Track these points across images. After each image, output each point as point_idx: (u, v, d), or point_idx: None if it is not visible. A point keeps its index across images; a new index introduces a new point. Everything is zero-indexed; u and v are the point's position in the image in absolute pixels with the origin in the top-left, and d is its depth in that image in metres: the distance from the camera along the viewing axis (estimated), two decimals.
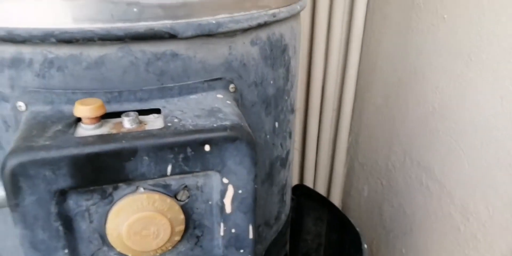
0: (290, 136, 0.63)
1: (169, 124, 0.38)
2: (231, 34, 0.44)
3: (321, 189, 1.33)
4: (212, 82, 0.45)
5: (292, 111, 0.62)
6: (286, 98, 0.57)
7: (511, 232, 0.72)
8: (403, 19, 0.93)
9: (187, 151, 0.36)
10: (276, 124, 0.56)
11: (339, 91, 1.21)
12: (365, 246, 0.70)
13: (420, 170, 0.92)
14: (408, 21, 0.91)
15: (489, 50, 0.72)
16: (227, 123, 0.38)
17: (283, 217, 0.69)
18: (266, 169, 0.57)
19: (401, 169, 1.01)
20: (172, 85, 0.43)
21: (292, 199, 0.80)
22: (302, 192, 0.89)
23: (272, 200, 0.62)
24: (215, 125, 0.38)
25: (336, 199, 1.34)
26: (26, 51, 0.39)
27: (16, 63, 0.39)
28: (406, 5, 0.91)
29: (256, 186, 0.40)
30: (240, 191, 0.40)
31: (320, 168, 1.29)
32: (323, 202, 0.86)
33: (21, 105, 0.41)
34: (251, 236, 0.43)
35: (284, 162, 0.62)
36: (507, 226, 0.73)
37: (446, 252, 0.86)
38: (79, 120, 0.38)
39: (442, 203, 0.86)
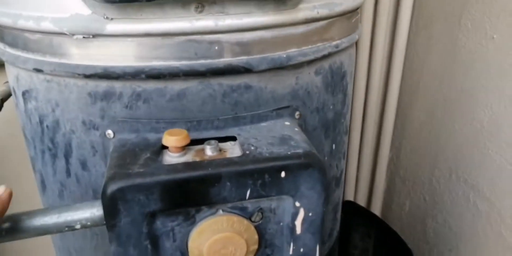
0: (344, 157, 0.65)
1: (247, 152, 0.41)
2: (299, 65, 0.48)
3: (361, 203, 1.34)
4: (280, 110, 0.48)
5: (347, 132, 0.64)
6: (343, 121, 0.60)
7: None
8: (449, 39, 0.94)
9: (265, 177, 0.39)
10: (334, 146, 0.59)
11: (380, 107, 1.22)
12: None
13: (468, 188, 0.92)
14: (454, 41, 0.93)
15: None
16: (300, 151, 0.41)
17: (335, 233, 0.71)
18: None
19: (447, 185, 1.01)
20: (245, 114, 0.46)
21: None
22: (349, 208, 0.90)
23: (327, 218, 0.65)
24: (289, 153, 0.41)
25: (376, 213, 1.35)
26: (117, 85, 0.43)
27: (108, 96, 0.44)
28: (452, 25, 0.92)
29: (324, 209, 0.43)
30: (310, 214, 0.43)
31: (361, 182, 1.31)
32: (371, 217, 0.87)
33: (110, 133, 0.45)
34: (317, 255, 0.45)
35: (338, 181, 0.65)
36: None
37: None
38: (164, 147, 0.42)
39: (492, 222, 0.86)
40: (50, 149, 0.51)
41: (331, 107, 0.55)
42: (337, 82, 0.55)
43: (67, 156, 0.50)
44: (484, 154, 0.87)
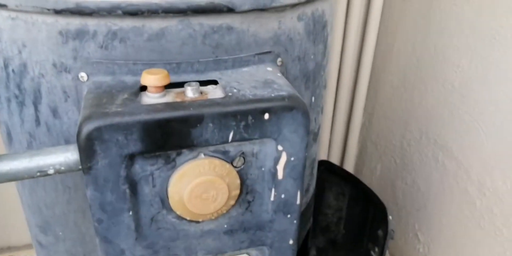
0: (321, 111, 0.65)
1: (230, 94, 0.39)
2: (282, 9, 0.46)
3: None
4: (262, 56, 0.46)
5: (325, 86, 0.64)
6: (322, 73, 0.59)
7: None
8: (424, 0, 0.94)
9: (248, 119, 0.38)
10: (313, 98, 0.58)
11: (355, 71, 1.22)
12: (390, 217, 0.73)
13: (437, 148, 0.95)
14: (429, 2, 0.93)
15: None
16: (284, 93, 0.40)
17: (311, 189, 0.72)
18: None
19: (417, 147, 1.03)
20: (226, 57, 0.44)
21: None
22: (325, 167, 0.91)
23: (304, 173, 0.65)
24: (273, 95, 0.40)
25: None
26: (91, 23, 0.40)
27: (81, 35, 0.41)
28: None
29: (306, 154, 0.43)
30: (292, 158, 0.42)
31: (334, 146, 1.32)
32: (346, 176, 0.89)
33: (83, 75, 0.43)
34: (298, 201, 0.45)
35: (316, 136, 0.65)
36: None
37: (460, 225, 0.90)
38: (142, 89, 0.40)
39: (458, 180, 0.89)
40: (16, 97, 0.48)
41: (312, 56, 0.54)
42: (318, 30, 0.53)
43: (36, 103, 0.47)
44: (454, 115, 0.89)
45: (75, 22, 0.41)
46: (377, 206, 0.78)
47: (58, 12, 0.40)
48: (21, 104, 0.48)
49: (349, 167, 1.33)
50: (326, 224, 0.94)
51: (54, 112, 0.47)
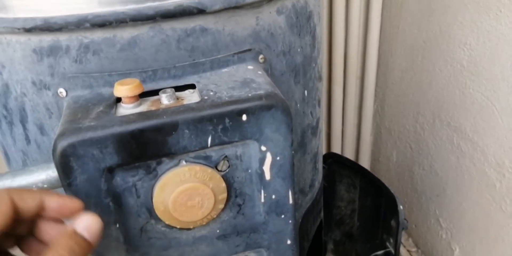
0: (319, 104, 0.63)
1: (205, 97, 0.38)
2: (258, 4, 0.44)
3: (349, 157, 1.34)
4: (241, 54, 0.45)
5: (320, 78, 0.62)
6: (314, 65, 0.57)
7: None
8: None
9: (226, 122, 0.37)
10: (306, 92, 0.57)
11: (362, 58, 1.19)
12: (401, 207, 0.70)
13: (451, 130, 0.91)
14: None
15: None
16: (261, 92, 0.39)
17: (317, 184, 0.70)
18: (298, 138, 0.58)
19: (431, 131, 1.00)
20: (203, 60, 0.43)
21: (324, 168, 0.81)
22: (333, 160, 0.90)
23: (305, 169, 0.64)
24: (250, 95, 0.38)
25: (365, 166, 1.35)
26: (62, 38, 0.40)
27: (54, 51, 0.41)
28: None
29: (293, 152, 0.41)
30: (278, 158, 0.41)
31: (347, 136, 1.30)
32: (355, 168, 0.87)
33: (62, 91, 0.42)
34: (291, 201, 0.44)
35: (314, 130, 0.63)
36: None
37: (482, 210, 0.86)
38: (118, 100, 0.40)
39: (476, 162, 0.86)
40: (5, 117, 0.48)
41: (298, 50, 0.52)
42: (303, 23, 0.52)
43: (23, 121, 0.47)
44: (465, 94, 0.85)
45: (47, 39, 0.41)
46: (387, 196, 0.76)
47: (28, 30, 0.40)
48: (11, 123, 0.48)
49: (365, 156, 1.30)
50: (340, 217, 0.92)
51: (41, 130, 0.47)
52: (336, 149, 1.30)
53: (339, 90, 1.21)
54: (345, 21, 1.11)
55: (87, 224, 0.32)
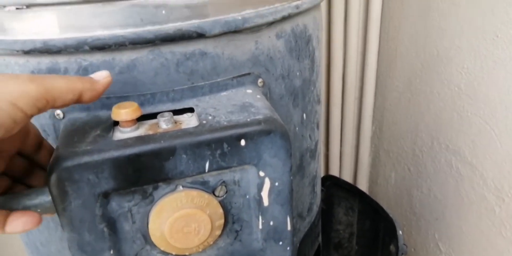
0: (317, 127, 0.63)
1: (204, 122, 0.38)
2: (257, 29, 0.45)
3: (347, 179, 1.33)
4: (240, 78, 0.45)
5: (319, 101, 0.62)
6: (312, 88, 0.57)
7: None
8: (423, 2, 0.91)
9: (224, 147, 0.37)
10: (304, 115, 0.56)
11: (360, 80, 1.20)
12: (400, 232, 0.69)
13: (450, 154, 0.91)
14: (428, 3, 0.90)
15: None
16: (260, 117, 0.38)
17: (315, 208, 0.69)
18: (296, 161, 0.58)
19: (429, 153, 1.00)
20: (202, 83, 0.43)
21: (322, 190, 0.80)
22: (331, 183, 0.89)
23: (304, 192, 0.63)
24: (248, 119, 0.38)
25: (363, 188, 1.34)
26: (61, 60, 0.40)
27: (52, 73, 0.41)
28: None
29: (291, 177, 0.41)
30: (276, 184, 0.40)
31: (345, 158, 1.29)
32: (353, 191, 0.86)
33: (59, 113, 0.42)
34: (289, 227, 0.43)
35: (313, 153, 0.63)
36: None
37: (481, 234, 0.85)
38: (116, 123, 0.39)
39: (475, 186, 0.85)
40: None
41: (297, 73, 0.52)
42: (302, 47, 0.52)
43: None
44: (463, 118, 0.85)
45: (45, 61, 0.40)
46: (386, 220, 0.75)
47: (27, 52, 0.40)
48: None
49: (363, 178, 1.29)
50: (338, 241, 0.91)
51: None
52: (334, 171, 1.29)
53: (337, 112, 1.21)
54: (343, 42, 1.12)
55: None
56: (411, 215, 1.12)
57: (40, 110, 0.31)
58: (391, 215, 0.74)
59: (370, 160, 1.30)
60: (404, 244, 0.69)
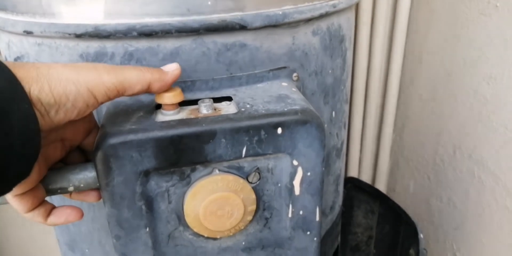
0: (344, 127, 0.64)
1: (242, 109, 0.40)
2: (295, 24, 0.46)
3: None
4: (276, 71, 0.47)
5: (347, 101, 0.63)
6: (342, 88, 0.58)
7: None
8: (451, 12, 0.92)
9: (261, 134, 0.38)
10: (333, 113, 0.57)
11: (383, 87, 1.20)
12: (421, 235, 0.69)
13: (472, 163, 0.91)
14: (456, 13, 0.91)
15: None
16: (297, 107, 0.40)
17: (337, 207, 0.70)
18: None
19: (451, 163, 1.00)
20: (240, 74, 0.45)
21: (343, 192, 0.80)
22: (352, 185, 0.89)
23: (328, 190, 0.64)
24: (286, 109, 0.39)
25: None
26: (109, 45, 0.42)
27: (99, 57, 0.43)
28: None
29: (323, 168, 0.42)
30: (309, 173, 0.41)
31: (364, 164, 1.29)
32: (375, 194, 0.86)
33: None
34: (318, 218, 0.44)
35: (339, 152, 0.64)
36: None
37: (503, 247, 0.84)
38: (157, 107, 0.41)
39: (497, 196, 0.85)
40: None
41: (330, 71, 0.53)
42: (335, 45, 0.53)
43: None
44: (488, 128, 0.85)
45: (94, 45, 0.43)
46: (407, 223, 0.75)
47: (78, 36, 0.42)
48: None
49: (381, 184, 1.29)
50: (356, 244, 0.91)
51: None
52: (352, 175, 1.29)
53: (358, 117, 1.22)
54: (368, 49, 1.13)
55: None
56: (428, 225, 1.11)
57: (110, 98, 0.35)
58: (412, 219, 0.74)
59: (389, 167, 1.30)
60: (424, 249, 0.69)
